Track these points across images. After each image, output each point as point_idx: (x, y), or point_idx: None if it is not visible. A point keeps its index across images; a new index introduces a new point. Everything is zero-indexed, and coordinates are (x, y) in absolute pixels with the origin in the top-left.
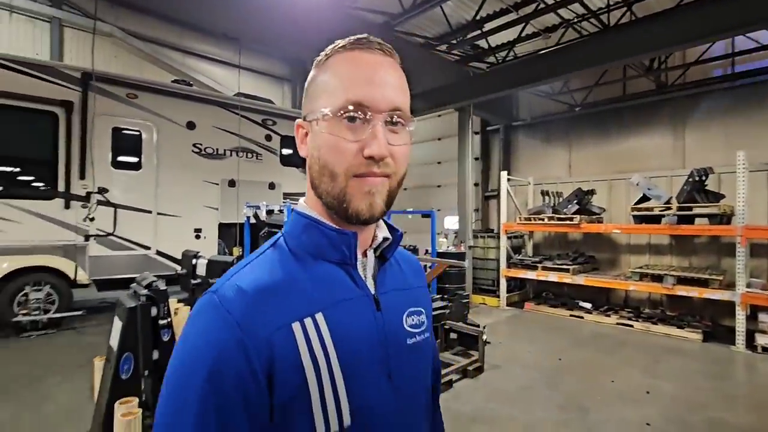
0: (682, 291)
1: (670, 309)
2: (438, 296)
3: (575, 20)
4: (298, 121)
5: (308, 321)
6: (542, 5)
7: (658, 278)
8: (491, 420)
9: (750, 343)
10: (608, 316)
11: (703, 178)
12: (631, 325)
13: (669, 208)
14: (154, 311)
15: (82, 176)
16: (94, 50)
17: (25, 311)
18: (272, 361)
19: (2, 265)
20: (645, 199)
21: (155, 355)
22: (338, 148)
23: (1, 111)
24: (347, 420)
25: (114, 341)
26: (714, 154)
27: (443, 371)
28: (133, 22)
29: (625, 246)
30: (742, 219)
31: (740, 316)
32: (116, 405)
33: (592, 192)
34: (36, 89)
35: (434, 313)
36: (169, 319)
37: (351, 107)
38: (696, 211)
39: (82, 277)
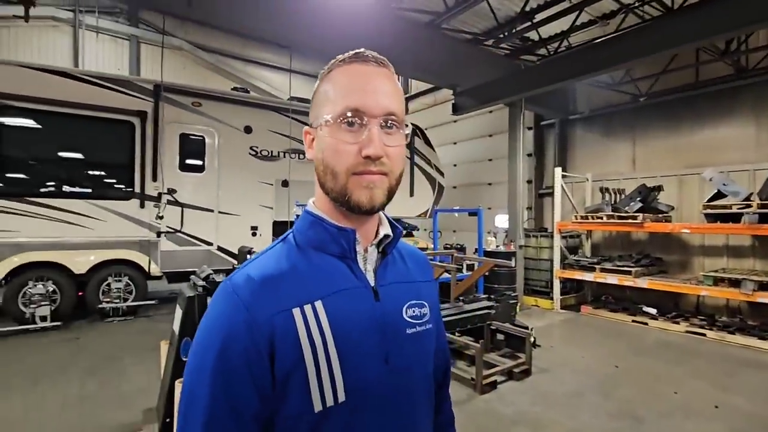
0: (764, 298)
1: (751, 318)
2: (484, 296)
3: (635, 4)
4: (306, 128)
5: (308, 308)
6: None
7: (735, 283)
8: (534, 423)
9: None
10: (677, 323)
11: None
12: (704, 334)
13: (749, 206)
14: (209, 300)
15: (154, 178)
16: (166, 63)
17: (108, 299)
18: (273, 340)
19: (90, 258)
20: (720, 195)
21: None
22: (339, 150)
23: (88, 122)
24: (342, 396)
25: (176, 326)
26: None
27: (486, 372)
28: (200, 35)
29: (698, 248)
30: None
31: None
32: (176, 383)
33: (658, 188)
34: (116, 101)
35: (478, 313)
36: None
37: (349, 113)
38: None
39: (155, 269)
